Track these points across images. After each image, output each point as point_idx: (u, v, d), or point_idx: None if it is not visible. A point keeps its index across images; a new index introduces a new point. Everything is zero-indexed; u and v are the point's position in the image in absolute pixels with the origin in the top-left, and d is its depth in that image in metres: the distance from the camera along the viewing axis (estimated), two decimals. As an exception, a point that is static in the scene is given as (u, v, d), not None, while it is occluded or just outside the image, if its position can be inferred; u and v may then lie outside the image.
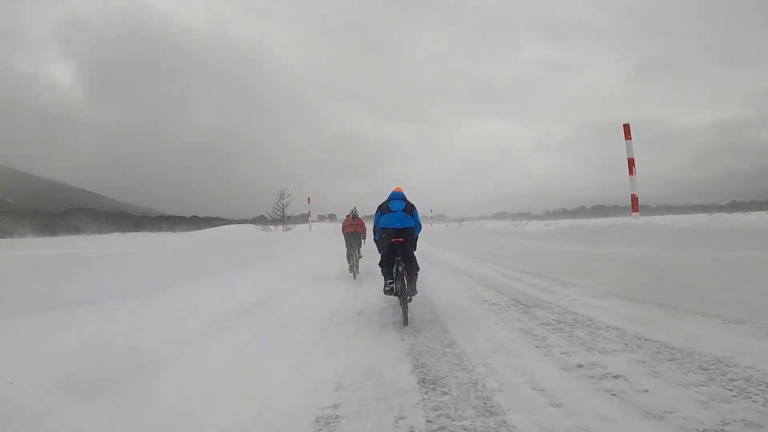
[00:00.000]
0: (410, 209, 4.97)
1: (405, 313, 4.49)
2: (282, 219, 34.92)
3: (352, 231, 8.91)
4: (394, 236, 4.79)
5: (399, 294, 4.64)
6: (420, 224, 5.14)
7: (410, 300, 4.70)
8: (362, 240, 9.05)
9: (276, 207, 35.83)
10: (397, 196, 5.11)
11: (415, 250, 4.99)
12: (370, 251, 6.82)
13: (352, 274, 8.51)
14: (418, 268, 4.90)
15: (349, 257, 8.68)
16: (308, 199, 22.45)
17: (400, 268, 4.70)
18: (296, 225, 35.01)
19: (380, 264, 4.96)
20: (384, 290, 4.79)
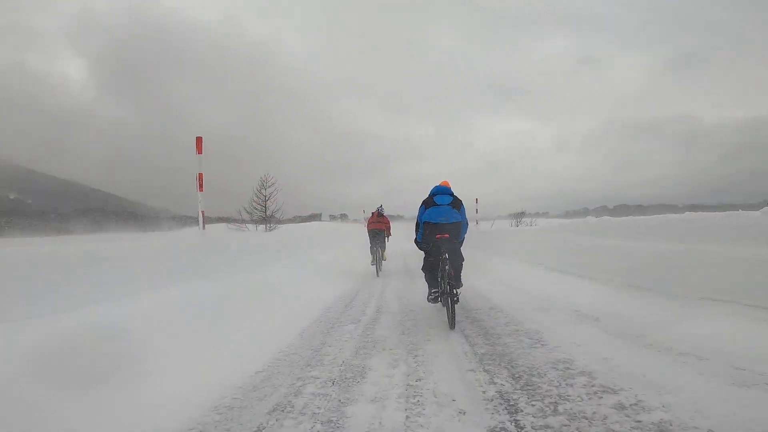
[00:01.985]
0: (458, 204, 4.80)
1: (452, 317, 4.19)
2: (264, 216, 26.75)
3: (376, 228, 9.04)
4: (439, 232, 4.58)
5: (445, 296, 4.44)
6: (467, 222, 4.95)
7: (457, 300, 4.31)
8: (386, 238, 9.16)
9: (255, 200, 26.94)
10: (444, 190, 4.87)
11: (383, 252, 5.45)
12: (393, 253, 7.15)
13: (374, 268, 8.79)
14: (462, 259, 4.82)
15: (373, 252, 8.95)
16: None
17: (446, 267, 4.41)
18: (283, 225, 27.86)
19: (423, 269, 4.90)
20: (428, 299, 4.73)
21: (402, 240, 11.22)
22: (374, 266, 8.80)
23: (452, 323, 4.12)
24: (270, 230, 25.03)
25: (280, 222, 27.44)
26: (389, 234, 9.23)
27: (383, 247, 9.03)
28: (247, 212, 26.80)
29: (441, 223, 4.62)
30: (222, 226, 27.18)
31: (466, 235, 4.94)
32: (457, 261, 4.67)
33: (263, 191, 26.94)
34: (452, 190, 4.93)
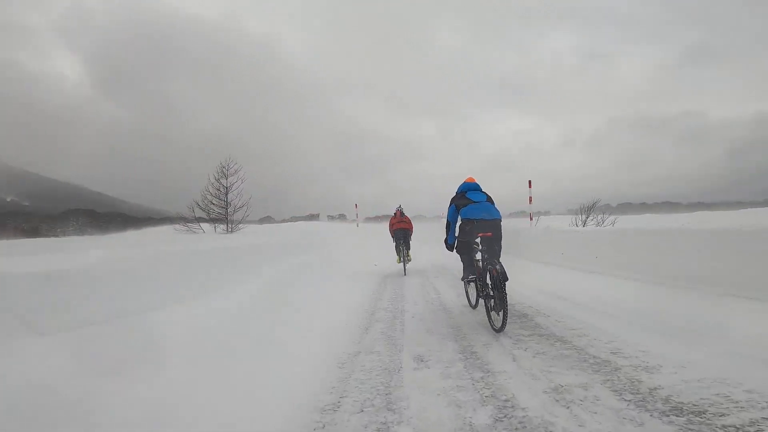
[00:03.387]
0: (492, 201, 4.57)
1: (502, 319, 3.79)
2: (224, 213, 19.94)
3: (401, 228, 9.09)
4: (481, 230, 4.31)
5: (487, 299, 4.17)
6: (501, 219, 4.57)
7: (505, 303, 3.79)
8: (409, 238, 9.18)
9: (211, 192, 19.92)
10: (475, 187, 4.69)
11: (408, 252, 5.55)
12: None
13: (402, 265, 8.87)
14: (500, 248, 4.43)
15: (399, 251, 9.06)
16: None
17: (492, 273, 4.00)
18: (255, 225, 22.66)
19: (458, 250, 4.69)
20: (463, 279, 4.69)
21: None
22: (401, 264, 8.95)
23: (502, 324, 3.79)
24: (232, 232, 19.50)
25: (248, 221, 21.39)
26: (412, 232, 9.36)
27: (408, 246, 9.08)
28: (201, 208, 19.74)
29: (484, 219, 4.32)
30: (167, 228, 21.78)
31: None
32: (497, 256, 4.30)
33: (222, 181, 19.86)
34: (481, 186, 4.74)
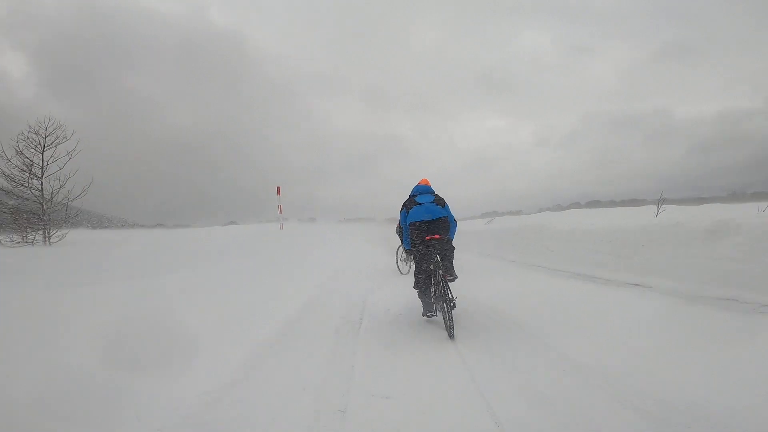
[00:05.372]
0: (441, 202, 4.55)
1: (450, 325, 3.88)
2: (39, 210, 10.58)
3: None
4: (427, 231, 4.30)
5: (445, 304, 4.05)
6: (455, 220, 4.58)
7: (454, 305, 3.92)
8: None
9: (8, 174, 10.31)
10: (425, 189, 4.66)
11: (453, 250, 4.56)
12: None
13: (398, 266, 8.81)
14: (453, 248, 4.55)
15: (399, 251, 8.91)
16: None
17: (440, 271, 4.21)
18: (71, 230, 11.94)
19: (416, 286, 4.47)
20: (424, 315, 4.35)
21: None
22: (405, 263, 8.84)
23: (451, 332, 3.87)
24: (48, 243, 10.54)
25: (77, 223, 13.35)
26: None
27: None
28: None
29: (426, 220, 4.35)
30: None
31: (455, 235, 4.65)
32: (449, 258, 4.43)
33: (33, 156, 10.63)
34: (433, 188, 4.71)
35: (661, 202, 10.64)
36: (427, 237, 4.25)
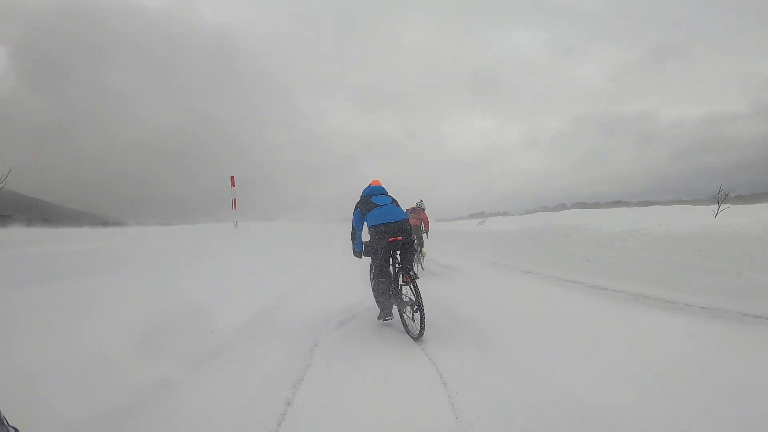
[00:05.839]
0: (397, 203, 4.37)
1: (421, 323, 3.66)
2: None
3: (413, 225, 8.31)
4: (391, 234, 4.03)
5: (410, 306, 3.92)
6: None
7: (419, 308, 3.78)
8: (424, 234, 8.67)
9: None
10: (380, 190, 4.45)
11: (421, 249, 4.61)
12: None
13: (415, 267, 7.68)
14: (415, 250, 4.27)
15: None
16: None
17: (399, 276, 4.05)
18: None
19: (375, 289, 4.23)
20: (380, 320, 4.21)
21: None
22: (415, 264, 8.29)
23: (417, 333, 3.68)
24: None
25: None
26: (427, 229, 8.69)
27: (421, 244, 8.45)
28: None
29: (391, 222, 4.06)
30: None
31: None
32: (410, 260, 4.15)
33: None
34: (385, 189, 4.53)
35: (721, 199, 8.79)
36: (390, 239, 4.05)
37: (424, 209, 8.83)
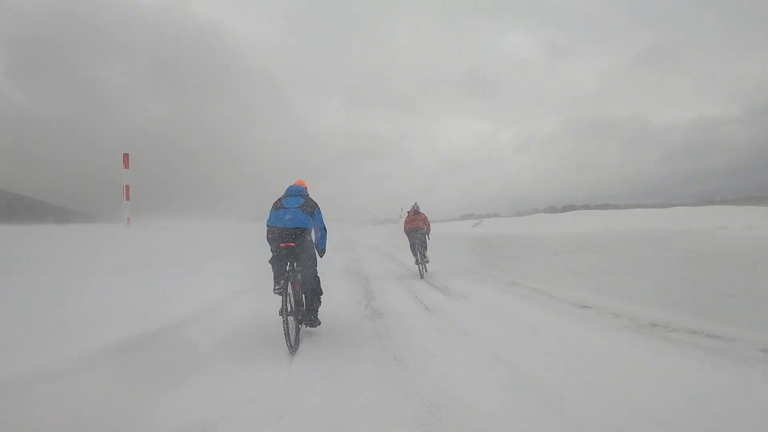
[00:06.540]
0: (310, 208, 4.22)
1: (295, 336, 3.89)
2: None
3: (414, 227, 8.61)
4: (283, 239, 3.98)
5: (287, 313, 3.83)
6: (325, 228, 4.41)
7: (306, 325, 4.14)
8: (426, 237, 8.62)
9: None
10: (296, 191, 4.33)
11: (321, 256, 4.43)
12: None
13: (418, 268, 8.28)
14: (321, 292, 4.33)
15: (414, 252, 8.49)
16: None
17: (295, 287, 4.12)
18: None
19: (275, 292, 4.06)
20: (274, 290, 3.99)
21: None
22: (418, 266, 8.33)
23: (294, 344, 3.78)
24: None
25: None
26: (429, 231, 8.71)
27: (425, 246, 8.36)
28: None
29: (284, 227, 4.00)
30: None
31: (326, 245, 4.50)
32: (310, 293, 4.18)
33: None
34: (307, 191, 4.45)
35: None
36: (282, 244, 4.00)
37: (420, 211, 8.73)
